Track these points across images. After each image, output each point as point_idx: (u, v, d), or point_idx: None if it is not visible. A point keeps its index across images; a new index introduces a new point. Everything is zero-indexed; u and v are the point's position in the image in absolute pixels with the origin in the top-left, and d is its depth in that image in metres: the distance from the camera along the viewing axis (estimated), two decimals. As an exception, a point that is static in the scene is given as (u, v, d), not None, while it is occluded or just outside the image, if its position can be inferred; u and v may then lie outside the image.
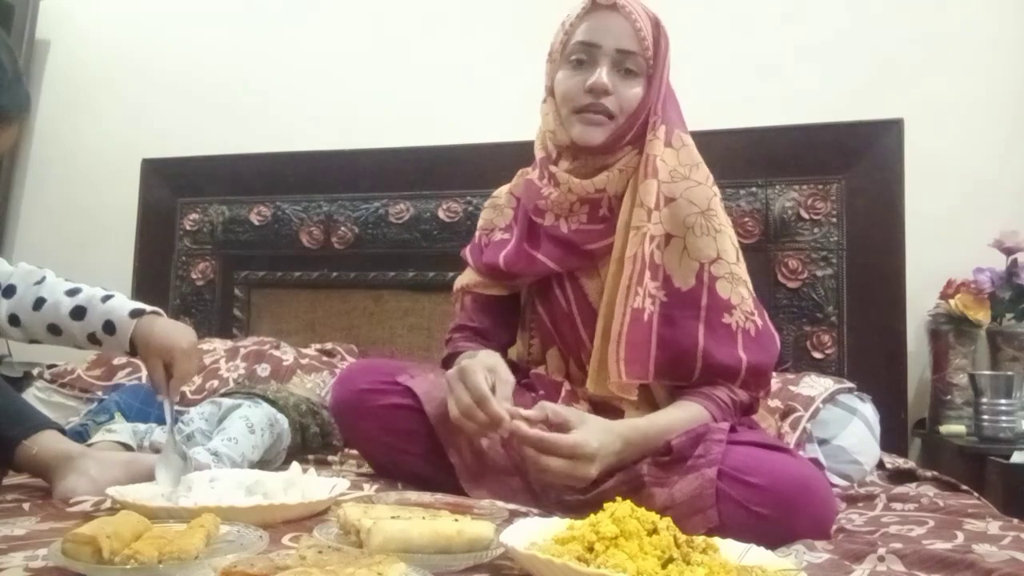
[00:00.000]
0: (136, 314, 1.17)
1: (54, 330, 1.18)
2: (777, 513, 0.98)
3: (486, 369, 1.11)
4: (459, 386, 1.09)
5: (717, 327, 1.21)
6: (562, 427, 1.06)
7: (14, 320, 1.19)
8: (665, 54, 1.26)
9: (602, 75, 1.21)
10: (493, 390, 1.08)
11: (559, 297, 1.32)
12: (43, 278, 1.21)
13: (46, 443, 1.15)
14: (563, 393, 1.27)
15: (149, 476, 1.13)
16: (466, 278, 1.43)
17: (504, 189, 1.46)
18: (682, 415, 1.16)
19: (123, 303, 1.19)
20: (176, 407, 1.71)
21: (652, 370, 1.20)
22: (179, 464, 1.13)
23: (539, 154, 1.33)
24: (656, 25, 1.26)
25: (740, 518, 0.99)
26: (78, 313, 1.17)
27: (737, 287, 1.22)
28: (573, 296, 1.30)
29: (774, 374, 1.73)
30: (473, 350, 1.33)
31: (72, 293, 1.19)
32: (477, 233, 1.47)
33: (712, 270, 1.21)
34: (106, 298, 1.19)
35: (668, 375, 1.22)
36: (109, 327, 1.16)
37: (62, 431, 1.22)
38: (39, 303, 1.18)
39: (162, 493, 1.05)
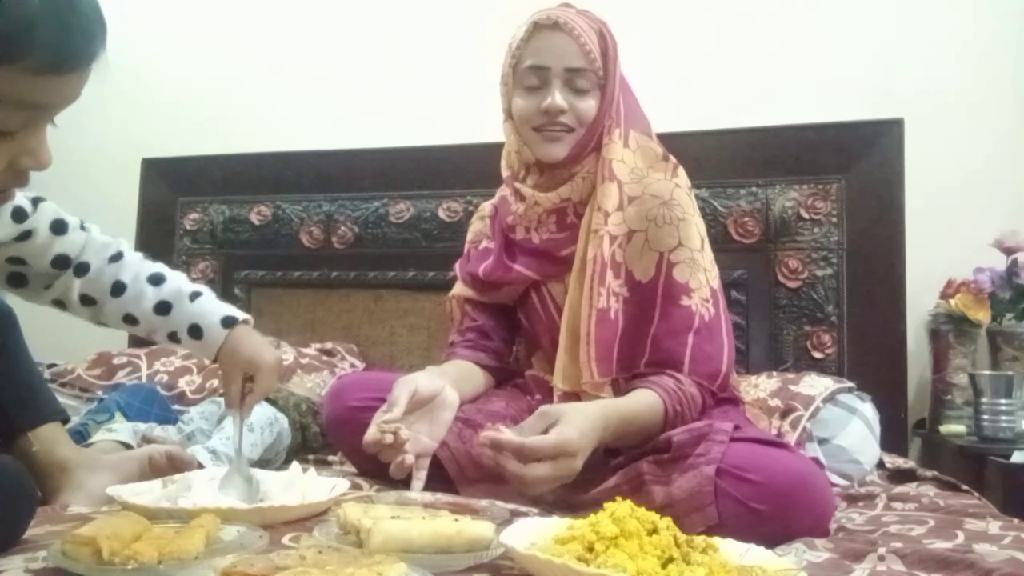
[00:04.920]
0: (228, 323, 1.10)
1: (130, 320, 1.10)
2: (775, 509, 0.98)
3: (413, 391, 1.13)
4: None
5: (672, 311, 1.22)
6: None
7: (87, 300, 1.10)
8: (614, 61, 1.29)
9: (555, 97, 1.25)
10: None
11: (536, 304, 1.37)
12: (120, 253, 1.11)
13: (46, 442, 1.13)
14: (555, 399, 1.28)
15: (140, 472, 1.13)
16: (458, 289, 1.49)
17: (488, 204, 1.52)
18: (640, 398, 1.16)
19: (213, 306, 1.11)
20: (176, 407, 1.71)
21: (615, 366, 1.23)
22: (243, 487, 1.04)
23: (505, 173, 1.39)
24: (601, 35, 1.28)
25: (739, 515, 0.99)
26: (162, 308, 1.09)
27: (696, 273, 1.25)
28: (547, 302, 1.36)
29: (774, 374, 1.75)
30: (460, 360, 1.39)
31: (156, 281, 1.10)
32: (466, 246, 1.53)
33: (671, 257, 1.24)
34: (194, 295, 1.11)
35: (626, 367, 1.24)
36: (195, 331, 1.09)
37: (66, 420, 1.21)
38: (118, 288, 1.09)
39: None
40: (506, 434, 1.01)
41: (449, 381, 1.23)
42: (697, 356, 1.21)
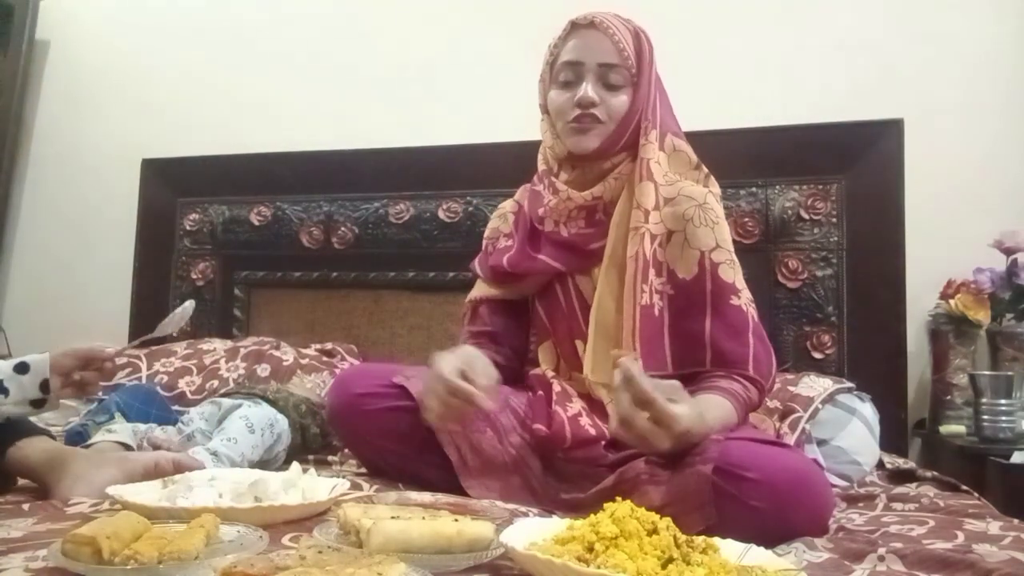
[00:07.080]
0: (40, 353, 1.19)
1: None
2: (774, 507, 0.98)
3: (458, 359, 1.12)
4: (434, 382, 1.11)
5: (726, 310, 1.25)
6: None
7: None
8: (649, 62, 1.33)
9: (587, 89, 1.29)
10: (464, 377, 1.10)
11: (558, 294, 1.38)
12: None
13: (38, 446, 1.16)
14: (554, 396, 1.29)
15: (144, 474, 1.13)
16: (476, 291, 1.48)
17: (509, 201, 1.53)
18: (720, 414, 1.15)
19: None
20: (175, 407, 1.72)
21: (669, 362, 1.24)
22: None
23: (541, 167, 1.42)
24: (637, 36, 1.33)
25: (737, 513, 0.99)
26: None
27: (737, 275, 1.28)
28: (571, 293, 1.37)
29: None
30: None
31: None
32: (484, 242, 1.53)
33: (713, 257, 1.27)
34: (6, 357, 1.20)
35: (682, 364, 1.24)
36: (21, 367, 1.17)
37: (52, 438, 1.22)
38: None
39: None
40: (642, 378, 1.01)
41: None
42: (757, 356, 1.23)
